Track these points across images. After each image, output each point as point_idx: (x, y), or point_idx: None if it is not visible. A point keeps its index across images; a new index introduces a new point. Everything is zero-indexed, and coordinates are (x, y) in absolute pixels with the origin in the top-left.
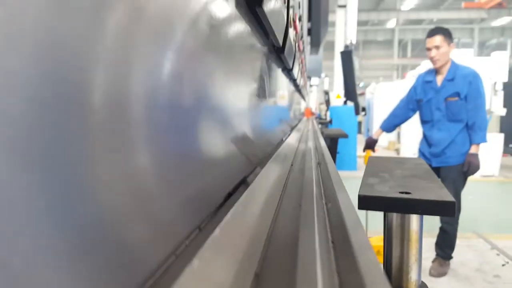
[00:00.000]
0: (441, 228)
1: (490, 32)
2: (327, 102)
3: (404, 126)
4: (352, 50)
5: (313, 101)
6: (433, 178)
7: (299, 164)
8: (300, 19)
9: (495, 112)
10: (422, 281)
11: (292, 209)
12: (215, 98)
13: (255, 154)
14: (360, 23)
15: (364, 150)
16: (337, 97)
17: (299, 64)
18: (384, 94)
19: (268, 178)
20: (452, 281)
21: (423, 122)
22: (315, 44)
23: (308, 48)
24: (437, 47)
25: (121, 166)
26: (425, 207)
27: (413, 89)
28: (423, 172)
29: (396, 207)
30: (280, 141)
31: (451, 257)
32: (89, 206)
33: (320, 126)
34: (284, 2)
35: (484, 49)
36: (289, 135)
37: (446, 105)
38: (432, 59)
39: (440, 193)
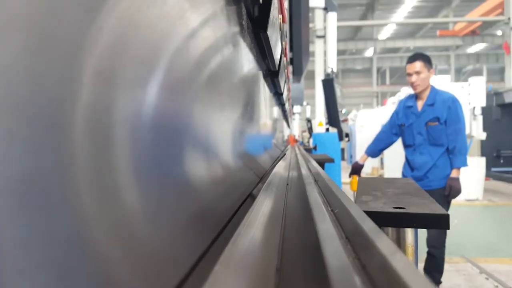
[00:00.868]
0: (428, 253)
1: (466, 59)
2: (310, 130)
3: (386, 152)
4: (333, 78)
5: (296, 128)
6: (424, 195)
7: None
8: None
9: (475, 136)
10: None
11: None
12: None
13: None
14: (339, 53)
15: (350, 176)
16: (319, 124)
17: (287, 90)
18: (365, 121)
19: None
20: None
21: (406, 146)
22: (297, 73)
23: (291, 77)
24: (417, 73)
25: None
26: (419, 221)
27: (395, 113)
28: (414, 190)
29: (391, 221)
30: (277, 159)
31: (440, 282)
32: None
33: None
34: (280, 29)
35: (460, 75)
36: (282, 157)
37: (427, 130)
38: (412, 85)
39: (433, 207)
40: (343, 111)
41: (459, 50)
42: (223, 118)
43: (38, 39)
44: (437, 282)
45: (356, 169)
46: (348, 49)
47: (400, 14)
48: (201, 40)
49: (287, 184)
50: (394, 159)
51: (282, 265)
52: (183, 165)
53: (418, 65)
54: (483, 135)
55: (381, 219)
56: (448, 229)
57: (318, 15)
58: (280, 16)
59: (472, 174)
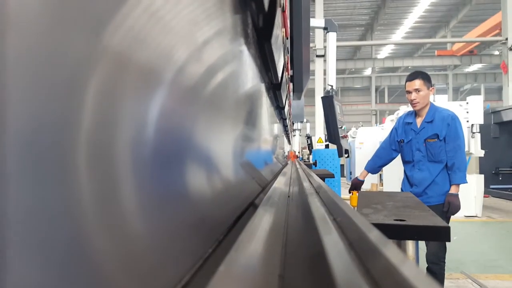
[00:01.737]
0: (428, 269)
1: (464, 78)
2: (309, 146)
3: (385, 168)
4: (333, 95)
5: (296, 145)
6: (424, 208)
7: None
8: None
9: (474, 153)
10: None
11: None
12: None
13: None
14: (338, 72)
15: (350, 191)
16: (319, 141)
17: (288, 105)
18: (364, 138)
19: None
20: None
21: (405, 162)
22: (298, 90)
23: (291, 94)
24: (417, 90)
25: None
26: (420, 233)
27: (395, 130)
28: (414, 203)
29: (392, 233)
30: (279, 171)
31: None
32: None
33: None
34: (283, 43)
35: (458, 94)
36: (282, 169)
37: (426, 146)
38: (412, 102)
39: (434, 220)
40: (343, 127)
41: (457, 69)
42: (227, 127)
43: (41, 41)
44: None
45: (356, 185)
46: (348, 68)
47: (399, 35)
48: (207, 51)
49: (288, 197)
50: (393, 175)
51: (285, 272)
52: (189, 175)
53: (417, 83)
54: (481, 152)
55: (382, 231)
56: (449, 241)
57: (319, 34)
58: (283, 30)
59: (471, 191)
